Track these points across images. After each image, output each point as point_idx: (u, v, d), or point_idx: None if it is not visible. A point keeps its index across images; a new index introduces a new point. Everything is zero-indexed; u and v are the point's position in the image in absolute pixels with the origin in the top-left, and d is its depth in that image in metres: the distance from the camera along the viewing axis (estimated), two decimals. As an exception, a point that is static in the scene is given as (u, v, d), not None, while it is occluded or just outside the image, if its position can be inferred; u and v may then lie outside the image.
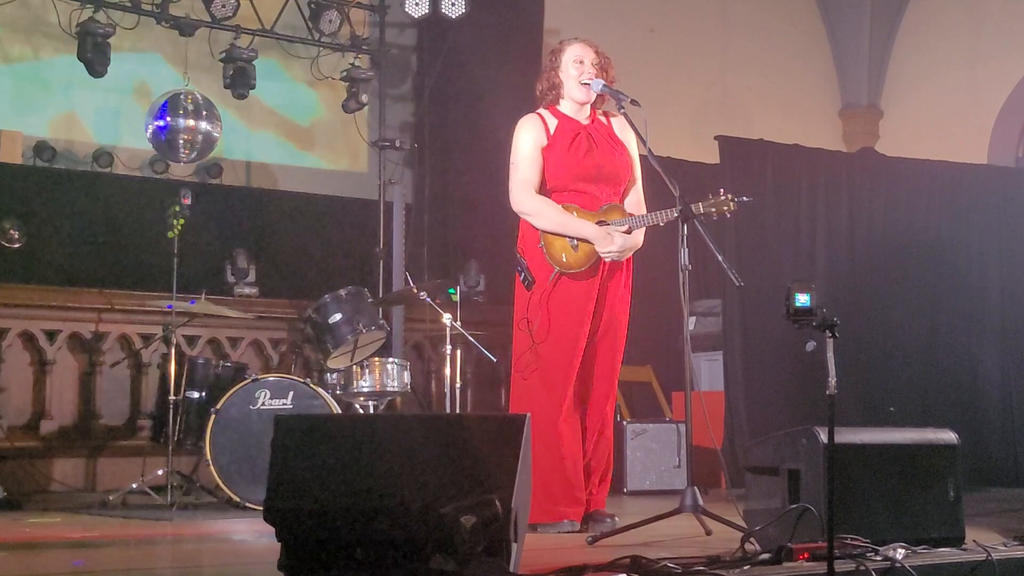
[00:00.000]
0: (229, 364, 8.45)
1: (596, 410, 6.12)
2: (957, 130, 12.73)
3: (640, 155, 6.20)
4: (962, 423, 8.11)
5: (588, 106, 6.19)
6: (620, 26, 11.89)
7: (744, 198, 5.95)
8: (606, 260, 5.99)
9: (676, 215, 5.79)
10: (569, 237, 5.99)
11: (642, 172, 6.28)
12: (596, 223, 5.99)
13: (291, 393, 7.75)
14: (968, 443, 5.83)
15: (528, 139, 6.10)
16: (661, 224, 5.98)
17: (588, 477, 6.13)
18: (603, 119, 6.24)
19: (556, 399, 5.99)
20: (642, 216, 6.05)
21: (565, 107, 6.18)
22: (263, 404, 7.68)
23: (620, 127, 6.20)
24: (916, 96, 13.49)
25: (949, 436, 5.36)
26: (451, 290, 9.01)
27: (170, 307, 8.15)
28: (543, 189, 6.10)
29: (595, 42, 6.25)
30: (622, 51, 6.56)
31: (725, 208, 5.90)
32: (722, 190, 5.93)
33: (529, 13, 11.49)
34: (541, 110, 6.21)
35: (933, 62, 13.30)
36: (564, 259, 5.99)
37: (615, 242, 5.95)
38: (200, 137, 10.26)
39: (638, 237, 6.08)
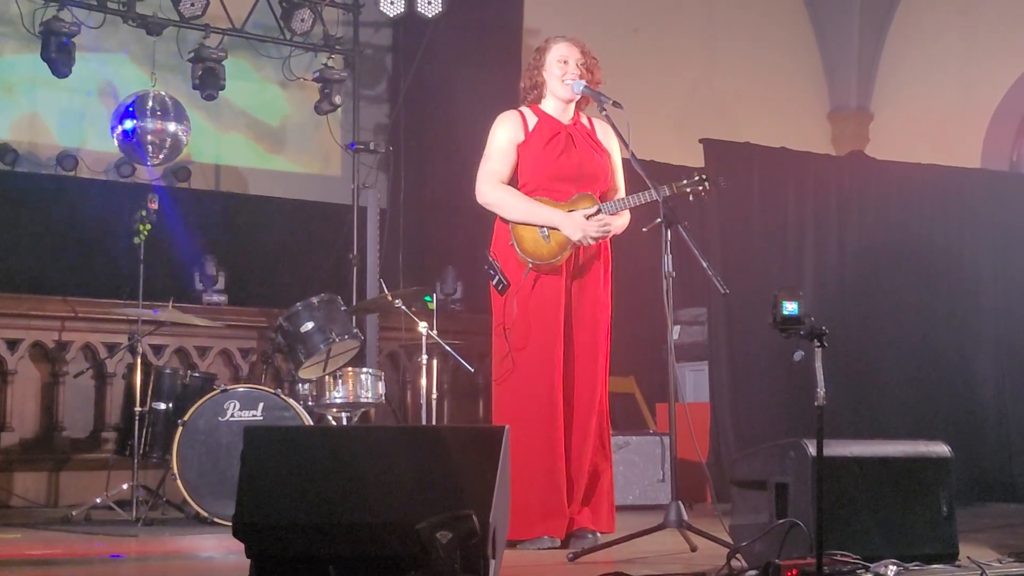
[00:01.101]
0: (197, 374, 8.43)
1: (580, 419, 6.07)
2: (950, 133, 12.75)
3: (623, 159, 6.21)
4: (955, 435, 8.10)
5: (572, 106, 6.20)
6: (603, 26, 11.89)
7: (718, 181, 6.00)
8: (583, 244, 5.96)
9: (650, 199, 5.83)
10: (537, 226, 5.97)
11: (625, 176, 6.28)
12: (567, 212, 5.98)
13: (261, 404, 7.73)
14: (962, 456, 5.85)
15: (503, 133, 6.12)
16: (641, 221, 5.95)
17: (570, 493, 6.07)
18: (586, 122, 6.25)
19: (537, 407, 5.94)
20: (613, 202, 6.03)
21: (548, 106, 6.19)
22: (232, 416, 7.66)
23: (603, 132, 6.22)
24: (907, 98, 13.52)
25: (942, 449, 5.37)
26: (427, 298, 9.01)
27: (156, 311, 8.11)
28: (517, 187, 6.08)
29: (582, 42, 6.25)
30: (605, 51, 6.55)
31: (700, 188, 5.94)
32: (695, 172, 5.99)
33: (508, 12, 11.49)
34: (523, 107, 6.21)
35: (925, 63, 13.34)
36: (536, 252, 5.96)
37: (584, 228, 5.93)
38: (168, 139, 10.23)
39: (617, 222, 6.07)
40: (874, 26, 13.67)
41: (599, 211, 5.99)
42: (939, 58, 13.21)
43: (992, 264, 10.41)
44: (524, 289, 5.99)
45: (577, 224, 5.94)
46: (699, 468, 7.22)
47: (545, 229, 5.98)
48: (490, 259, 6.07)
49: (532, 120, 6.15)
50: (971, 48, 12.92)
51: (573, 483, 6.06)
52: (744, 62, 13.34)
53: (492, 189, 6.07)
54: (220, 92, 10.31)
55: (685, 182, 5.96)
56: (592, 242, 5.99)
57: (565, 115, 6.19)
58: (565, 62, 6.13)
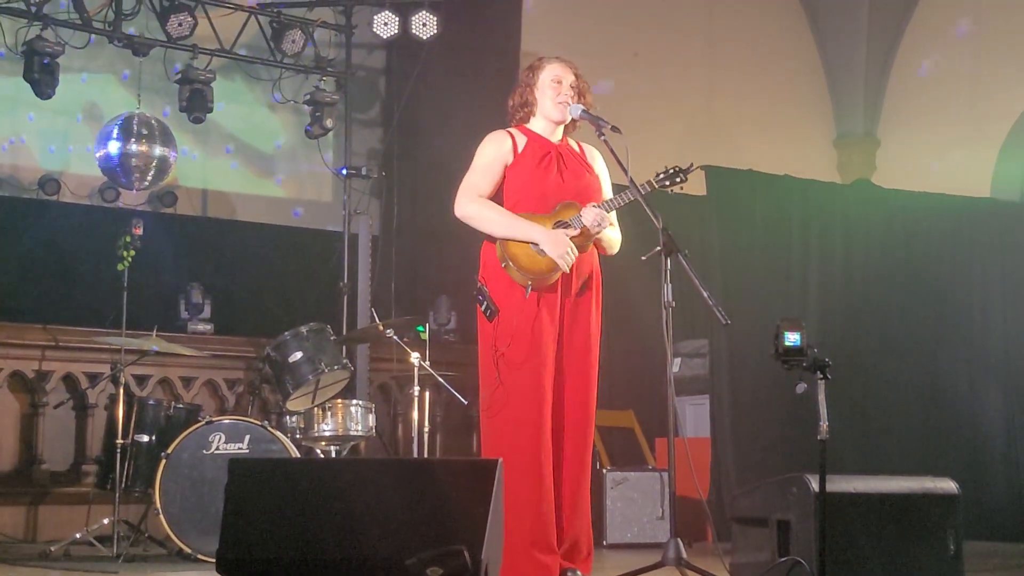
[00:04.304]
0: (181, 406, 8.42)
1: (571, 453, 6.00)
2: (958, 161, 12.79)
3: (622, 186, 6.19)
4: (963, 471, 8.11)
5: (560, 128, 6.18)
6: (602, 49, 11.93)
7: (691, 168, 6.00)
8: (563, 267, 5.88)
9: (630, 199, 5.83)
10: (523, 242, 5.91)
11: (625, 203, 6.27)
12: (553, 224, 5.93)
13: (247, 437, 7.72)
14: (969, 493, 5.84)
15: (492, 150, 6.07)
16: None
17: (565, 530, 5.99)
18: (574, 145, 6.23)
19: (527, 438, 5.87)
20: (595, 203, 5.98)
21: (536, 126, 6.16)
22: (217, 448, 7.65)
23: (591, 156, 6.21)
24: (915, 125, 13.55)
25: (949, 485, 5.37)
26: (420, 327, 9.00)
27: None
28: (508, 209, 6.04)
29: (575, 64, 6.26)
30: (604, 75, 6.59)
31: (679, 179, 5.97)
32: (666, 166, 6.00)
33: (505, 35, 11.52)
34: (511, 129, 6.19)
35: (933, 90, 13.38)
36: (533, 267, 5.89)
37: (565, 245, 5.88)
38: (154, 163, 10.25)
39: (608, 232, 6.05)
40: (881, 50, 13.72)
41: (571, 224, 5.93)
42: (948, 84, 13.25)
43: (1002, 295, 10.43)
44: (528, 308, 5.91)
45: (558, 240, 5.87)
46: (699, 505, 7.21)
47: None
48: (479, 285, 6.02)
49: (521, 140, 6.11)
50: (980, 74, 12.97)
51: (566, 521, 5.98)
52: (747, 87, 13.37)
53: (469, 202, 6.00)
54: (208, 115, 10.33)
55: (662, 175, 5.98)
56: (571, 260, 5.91)
57: (554, 136, 6.17)
58: (559, 82, 6.12)
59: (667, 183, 5.97)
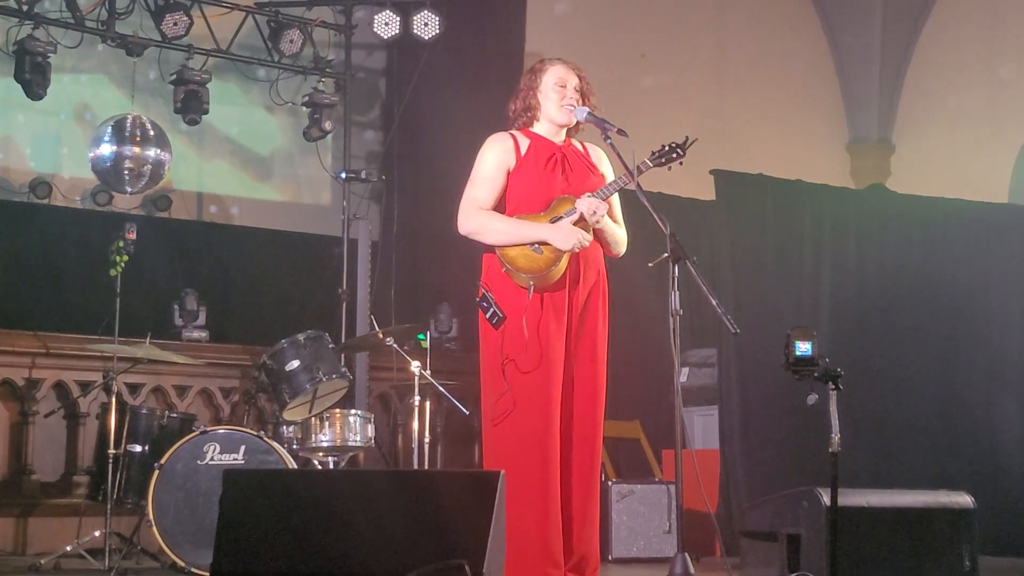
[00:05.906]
0: (175, 415, 8.43)
1: (580, 464, 6.00)
2: (975, 166, 12.79)
3: (628, 190, 6.19)
4: (979, 484, 8.09)
5: (563, 130, 6.18)
6: (609, 50, 11.94)
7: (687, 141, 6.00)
8: (574, 250, 5.89)
9: (624, 184, 5.83)
10: (525, 245, 5.91)
11: (631, 209, 6.27)
12: (550, 220, 5.92)
13: (243, 447, 7.72)
14: (985, 507, 5.84)
15: (492, 158, 6.06)
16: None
17: (574, 544, 5.99)
18: (578, 146, 6.23)
19: (533, 448, 5.86)
20: (591, 193, 5.98)
21: (540, 128, 6.16)
22: (212, 459, 7.64)
23: (596, 156, 6.20)
24: (930, 130, 13.56)
25: (964, 499, 5.38)
26: (420, 336, 9.01)
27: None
28: (505, 213, 6.04)
29: (579, 66, 6.25)
30: (610, 77, 6.59)
31: (675, 156, 5.97)
32: (662, 144, 6.00)
33: (509, 35, 11.52)
34: (513, 131, 6.18)
35: (949, 94, 13.38)
36: (533, 267, 5.88)
37: (574, 233, 5.88)
38: (148, 166, 10.25)
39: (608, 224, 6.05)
40: (896, 53, 13.73)
41: (581, 216, 5.92)
42: (963, 88, 13.26)
43: (1020, 303, 10.41)
44: (536, 314, 5.90)
45: (566, 231, 5.88)
46: (707, 519, 7.20)
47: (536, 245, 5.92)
48: (482, 292, 6.00)
49: (524, 143, 6.10)
50: (998, 77, 12.97)
51: (575, 535, 5.97)
52: (758, 89, 13.37)
53: (471, 217, 6.01)
54: (203, 116, 10.34)
55: (656, 153, 5.98)
56: (586, 244, 5.92)
57: (557, 137, 6.17)
58: (563, 86, 6.11)
59: (663, 160, 5.96)
